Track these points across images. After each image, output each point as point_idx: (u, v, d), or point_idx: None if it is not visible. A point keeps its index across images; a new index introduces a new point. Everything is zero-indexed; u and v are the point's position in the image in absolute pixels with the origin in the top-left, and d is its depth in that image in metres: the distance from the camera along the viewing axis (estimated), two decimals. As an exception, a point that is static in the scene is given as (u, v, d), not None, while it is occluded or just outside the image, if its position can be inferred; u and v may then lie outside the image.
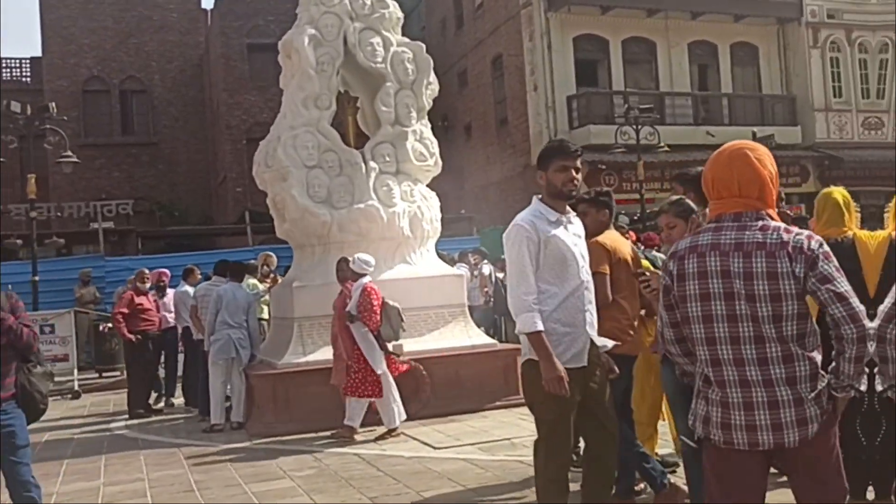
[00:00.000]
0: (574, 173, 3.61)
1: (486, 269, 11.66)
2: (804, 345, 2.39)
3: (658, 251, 5.87)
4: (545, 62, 19.91)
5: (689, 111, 20.76)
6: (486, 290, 11.43)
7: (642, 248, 6.76)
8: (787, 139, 20.57)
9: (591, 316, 3.65)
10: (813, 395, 2.37)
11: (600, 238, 4.40)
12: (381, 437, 6.93)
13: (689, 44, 21.45)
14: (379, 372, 6.93)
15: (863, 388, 2.45)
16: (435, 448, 6.44)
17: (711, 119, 21.03)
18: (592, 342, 3.64)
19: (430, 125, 9.18)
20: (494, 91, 22.44)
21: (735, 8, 21.32)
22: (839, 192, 4.08)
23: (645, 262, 4.75)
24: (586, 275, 3.65)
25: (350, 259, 7.28)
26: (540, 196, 3.70)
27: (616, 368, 3.78)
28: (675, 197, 4.12)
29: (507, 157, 21.66)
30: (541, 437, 3.59)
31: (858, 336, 2.35)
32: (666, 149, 18.40)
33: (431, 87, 9.08)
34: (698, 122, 20.69)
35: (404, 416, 7.09)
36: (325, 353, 7.88)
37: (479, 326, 9.49)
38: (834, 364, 2.41)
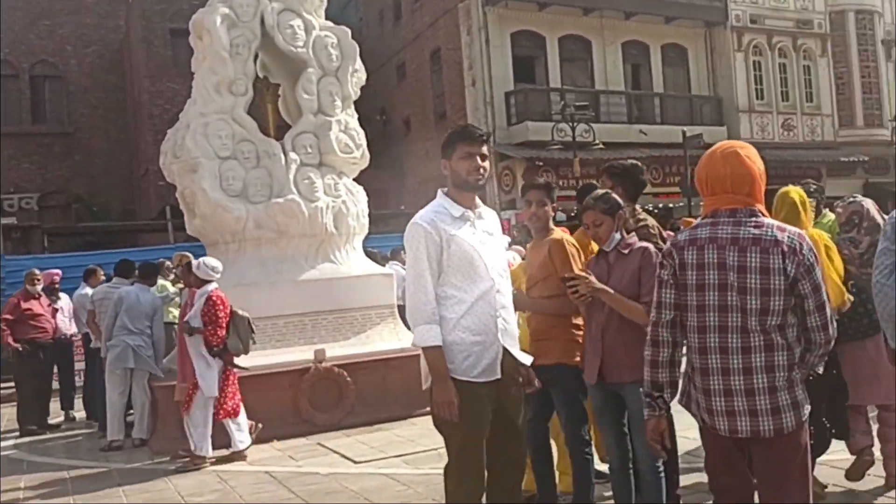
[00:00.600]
0: (480, 161, 3.18)
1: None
2: (784, 335, 2.55)
3: None
4: (483, 57, 19.56)
5: (623, 109, 20.76)
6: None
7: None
8: (714, 138, 20.67)
9: (506, 322, 3.22)
10: (787, 383, 2.51)
11: (566, 236, 4.05)
12: (183, 464, 6.13)
13: (622, 43, 21.51)
14: (207, 395, 6.16)
15: (821, 370, 2.73)
16: (356, 462, 5.90)
17: (644, 118, 21.11)
18: (508, 353, 3.20)
19: (356, 115, 8.61)
20: (433, 85, 21.98)
21: (665, 10, 21.60)
22: (796, 192, 4.20)
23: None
24: (498, 276, 3.22)
25: (195, 263, 6.56)
26: (445, 189, 3.27)
27: (537, 382, 3.37)
28: (600, 191, 3.76)
29: (444, 153, 21.22)
30: (451, 462, 3.17)
31: (826, 341, 2.59)
32: (601, 146, 18.28)
33: (358, 75, 8.51)
34: (631, 121, 20.72)
35: (210, 452, 6.22)
36: (242, 361, 7.25)
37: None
38: (801, 355, 2.61)
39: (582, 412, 3.88)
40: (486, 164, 3.22)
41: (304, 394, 7.06)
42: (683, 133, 19.60)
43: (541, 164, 18.59)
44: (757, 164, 2.63)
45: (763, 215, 2.61)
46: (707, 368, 2.55)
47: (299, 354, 7.30)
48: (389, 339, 7.89)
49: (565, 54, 20.68)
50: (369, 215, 8.57)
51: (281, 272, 7.68)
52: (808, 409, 2.55)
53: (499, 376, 3.15)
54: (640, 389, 2.80)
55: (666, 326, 2.66)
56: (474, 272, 3.14)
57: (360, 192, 8.41)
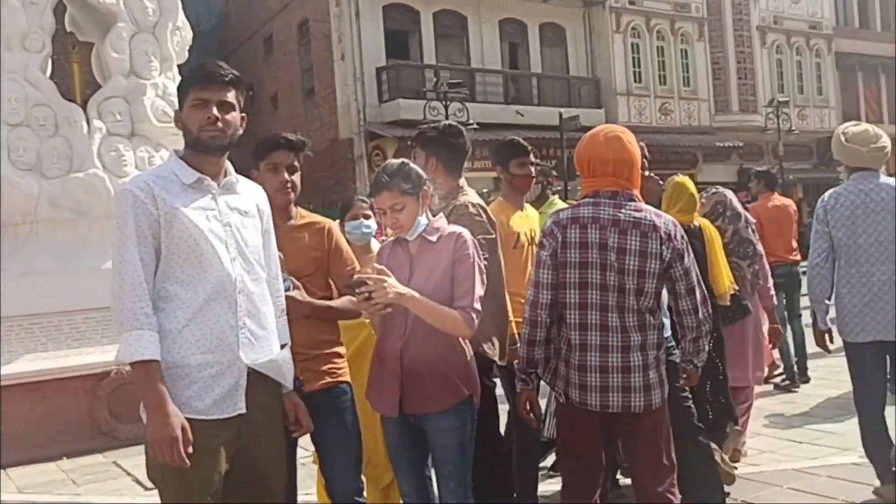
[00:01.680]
0: (218, 110, 2.28)
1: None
2: (655, 316, 2.68)
3: None
4: (353, 30, 18.59)
5: (500, 89, 20.31)
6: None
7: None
8: (591, 121, 20.58)
9: (255, 336, 2.32)
10: (656, 362, 2.65)
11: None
12: None
13: (499, 21, 21.03)
14: None
15: (700, 363, 2.82)
16: (146, 489, 4.97)
17: (521, 98, 20.73)
18: (262, 378, 2.33)
19: (180, 79, 7.55)
20: (301, 59, 20.81)
21: (544, -13, 21.15)
22: (691, 182, 4.31)
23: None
24: (244, 272, 2.32)
25: None
26: (181, 151, 2.38)
27: (309, 423, 2.50)
28: (395, 162, 2.79)
29: (315, 131, 20.13)
30: None
31: (696, 325, 2.73)
32: (475, 126, 17.74)
33: (181, 33, 7.46)
34: (508, 101, 20.30)
35: None
36: (30, 364, 6.19)
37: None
38: (681, 345, 2.87)
39: (361, 453, 2.99)
40: (233, 116, 2.31)
41: (102, 402, 6.05)
42: (560, 115, 19.32)
43: (413, 143, 17.84)
44: (636, 150, 2.73)
45: (639, 200, 2.69)
46: (586, 344, 2.62)
47: (100, 356, 6.26)
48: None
49: (440, 30, 19.99)
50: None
51: (82, 259, 6.58)
52: (667, 387, 2.70)
53: (242, 411, 2.28)
54: (516, 364, 2.78)
55: (545, 308, 2.67)
56: (201, 264, 2.24)
57: (183, 168, 7.38)
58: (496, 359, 3.20)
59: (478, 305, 2.63)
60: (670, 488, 2.67)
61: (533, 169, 3.91)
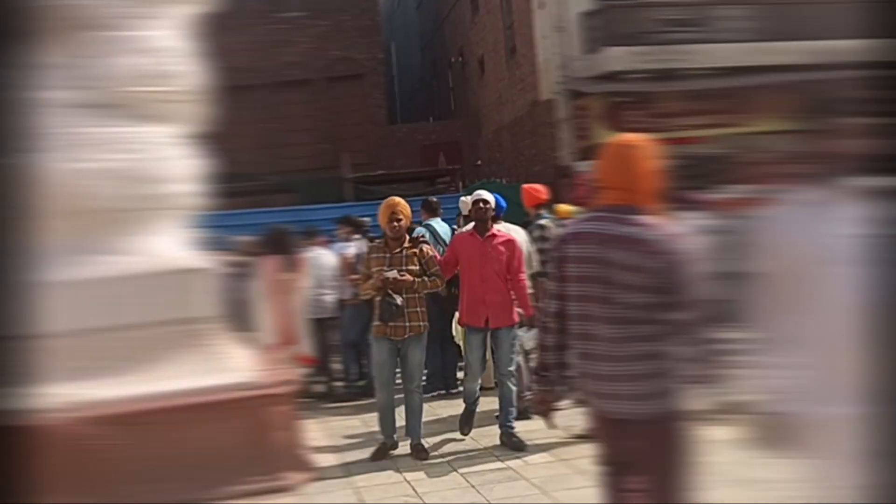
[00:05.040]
0: None
1: (355, 248, 7.98)
2: (655, 328, 2.64)
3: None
4: (554, -29, 15.76)
5: (743, 24, 16.09)
6: (353, 278, 7.69)
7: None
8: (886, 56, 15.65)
9: None
10: (652, 371, 2.64)
11: None
12: None
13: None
14: None
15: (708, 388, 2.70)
16: None
17: (775, 33, 16.27)
18: None
19: None
20: (503, 15, 18.45)
21: None
22: None
23: None
24: None
25: None
26: None
27: None
28: None
29: (517, 94, 17.80)
30: None
31: (696, 342, 2.62)
32: (708, 73, 14.23)
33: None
34: (756, 39, 16.02)
35: None
36: None
37: (348, 334, 8.02)
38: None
39: None
40: None
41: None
42: (833, 50, 14.88)
43: (627, 99, 14.68)
44: (649, 162, 2.73)
45: (646, 213, 2.69)
46: (588, 353, 2.76)
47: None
48: (195, 371, 5.01)
49: (663, -41, 16.32)
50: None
51: None
52: (677, 400, 2.65)
53: None
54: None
55: (551, 316, 2.88)
56: None
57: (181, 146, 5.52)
58: None
59: None
60: None
61: None
